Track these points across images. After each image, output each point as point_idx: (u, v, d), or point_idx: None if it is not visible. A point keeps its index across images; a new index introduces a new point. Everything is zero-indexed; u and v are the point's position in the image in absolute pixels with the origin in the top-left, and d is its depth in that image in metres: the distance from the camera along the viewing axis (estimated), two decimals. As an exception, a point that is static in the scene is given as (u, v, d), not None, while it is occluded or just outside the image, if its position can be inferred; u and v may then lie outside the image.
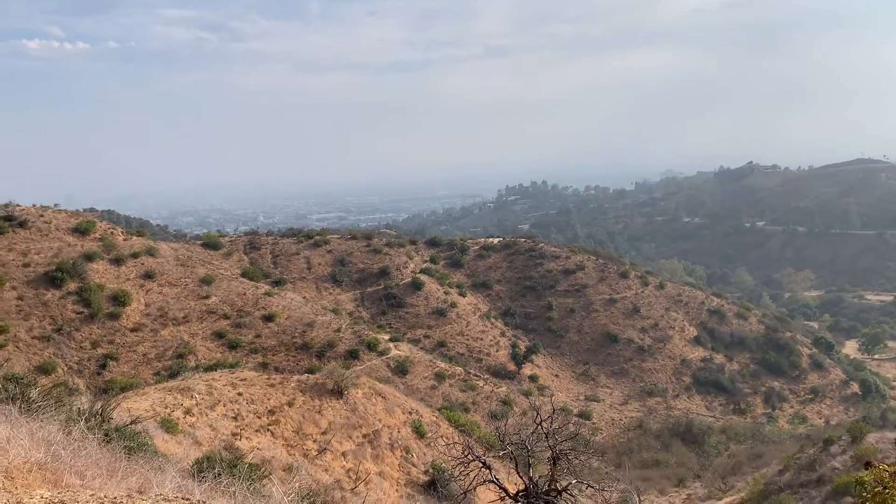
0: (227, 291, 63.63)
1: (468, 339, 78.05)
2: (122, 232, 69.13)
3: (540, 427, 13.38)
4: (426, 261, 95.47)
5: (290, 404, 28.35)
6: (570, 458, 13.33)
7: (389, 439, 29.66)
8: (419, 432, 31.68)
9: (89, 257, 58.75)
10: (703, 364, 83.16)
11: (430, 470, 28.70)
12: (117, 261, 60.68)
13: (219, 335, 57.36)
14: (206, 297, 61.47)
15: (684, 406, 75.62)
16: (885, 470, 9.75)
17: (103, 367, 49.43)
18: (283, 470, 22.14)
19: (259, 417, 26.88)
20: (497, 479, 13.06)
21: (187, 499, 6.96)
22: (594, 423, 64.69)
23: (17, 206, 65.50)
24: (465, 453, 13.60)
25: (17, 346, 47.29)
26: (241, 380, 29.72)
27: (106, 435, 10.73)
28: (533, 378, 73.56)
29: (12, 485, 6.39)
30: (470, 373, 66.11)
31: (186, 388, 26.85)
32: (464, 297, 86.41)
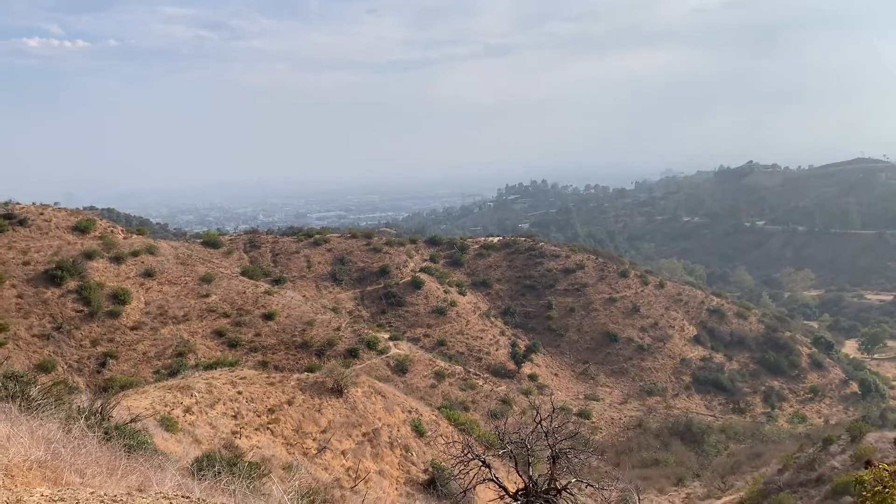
0: (227, 290, 63.63)
1: (468, 338, 78.08)
2: (121, 230, 69.12)
3: (539, 426, 13.38)
4: (426, 260, 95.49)
5: (289, 403, 28.36)
6: (569, 457, 13.32)
7: (389, 438, 29.67)
8: (419, 431, 31.70)
9: (89, 255, 58.74)
10: (702, 363, 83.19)
11: (430, 468, 28.72)
12: (117, 259, 60.68)
13: (218, 333, 57.37)
14: (206, 295, 61.48)
15: (684, 405, 75.67)
16: (884, 469, 9.76)
17: (103, 365, 49.45)
18: (283, 468, 22.14)
19: (259, 416, 26.89)
20: (497, 478, 13.07)
21: (187, 497, 6.96)
22: (594, 423, 64.71)
23: (17, 204, 65.46)
24: (465, 452, 13.59)
25: (16, 345, 47.29)
26: (241, 378, 29.73)
27: (106, 433, 10.73)
28: (532, 377, 73.60)
29: (12, 483, 6.39)
30: (469, 372, 66.14)
31: (186, 387, 26.86)
32: (463, 295, 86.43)
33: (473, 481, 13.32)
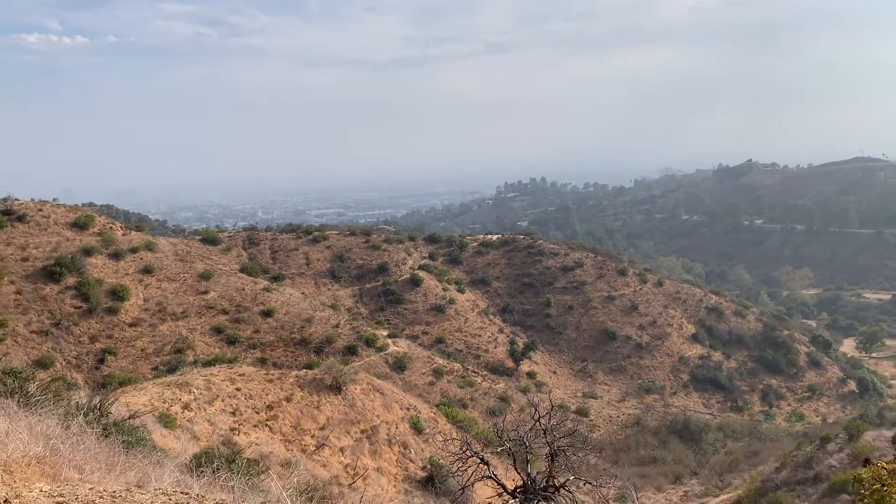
0: (226, 287, 63.61)
1: (466, 336, 78.10)
2: (120, 227, 69.09)
3: (538, 423, 13.39)
4: (425, 257, 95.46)
5: (288, 400, 28.37)
6: (567, 454, 13.34)
7: (387, 435, 29.69)
8: (417, 428, 31.73)
9: (88, 252, 58.69)
10: (700, 361, 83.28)
11: (428, 466, 28.76)
12: (116, 255, 60.63)
13: (217, 330, 57.36)
14: (205, 292, 61.45)
15: (682, 403, 75.78)
16: (882, 467, 9.78)
17: (102, 361, 49.44)
18: (281, 465, 22.16)
19: (257, 413, 26.90)
20: (495, 475, 13.08)
21: (186, 493, 6.96)
22: (592, 420, 64.80)
23: (16, 200, 65.39)
24: (463, 449, 13.60)
25: (15, 341, 47.27)
26: (240, 375, 29.74)
27: (104, 429, 10.73)
28: (531, 375, 73.66)
29: (11, 478, 6.39)
30: (468, 369, 66.18)
31: (185, 383, 26.86)
32: (462, 293, 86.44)
33: (472, 478, 13.34)
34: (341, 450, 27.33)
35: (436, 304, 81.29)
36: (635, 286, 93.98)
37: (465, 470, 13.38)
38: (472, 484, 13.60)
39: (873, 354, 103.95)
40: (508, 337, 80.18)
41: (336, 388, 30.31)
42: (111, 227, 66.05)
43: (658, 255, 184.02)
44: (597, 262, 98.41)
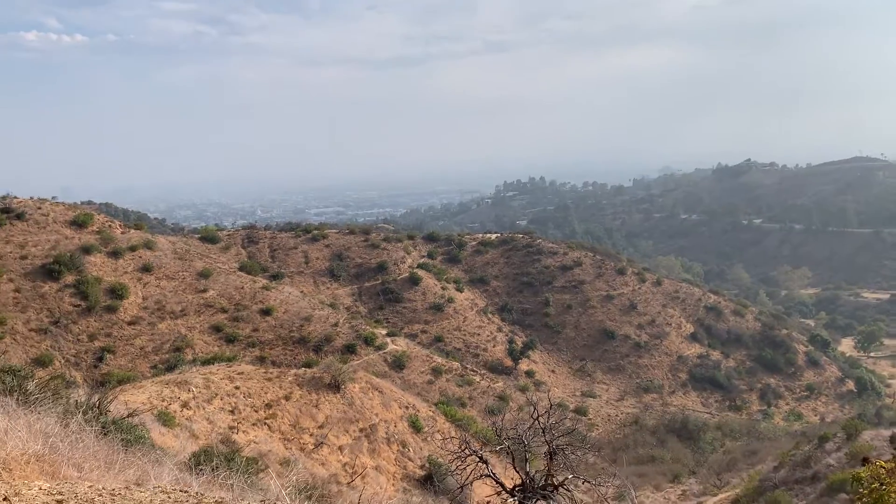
0: (225, 285, 63.59)
1: (465, 335, 78.15)
2: (119, 225, 69.05)
3: (536, 422, 13.41)
4: (424, 256, 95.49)
5: (287, 398, 28.38)
6: (566, 453, 13.36)
7: (386, 434, 29.71)
8: (416, 427, 31.74)
9: (87, 250, 58.66)
10: (699, 361, 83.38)
11: (427, 464, 28.77)
12: (115, 254, 60.61)
13: (216, 329, 57.36)
14: (204, 290, 61.43)
15: (680, 402, 75.87)
16: (881, 466, 9.79)
17: (100, 359, 49.43)
18: (280, 463, 22.17)
19: (256, 411, 26.91)
20: (493, 474, 13.10)
21: (185, 491, 6.96)
22: (590, 419, 64.86)
23: (15, 198, 65.39)
24: (462, 448, 13.61)
25: (14, 339, 47.26)
26: (239, 373, 29.74)
27: (103, 427, 10.73)
28: (529, 373, 73.72)
29: (10, 476, 6.40)
30: (467, 368, 66.21)
31: (183, 382, 26.86)
32: (461, 292, 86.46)
33: (470, 477, 13.36)
34: (340, 448, 27.34)
35: (435, 302, 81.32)
36: (634, 285, 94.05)
37: (464, 468, 13.40)
38: (471, 482, 13.61)
39: (871, 354, 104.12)
40: (507, 336, 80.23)
41: (335, 386, 30.32)
42: (110, 226, 66.02)
43: (657, 255, 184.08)
44: (595, 261, 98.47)
